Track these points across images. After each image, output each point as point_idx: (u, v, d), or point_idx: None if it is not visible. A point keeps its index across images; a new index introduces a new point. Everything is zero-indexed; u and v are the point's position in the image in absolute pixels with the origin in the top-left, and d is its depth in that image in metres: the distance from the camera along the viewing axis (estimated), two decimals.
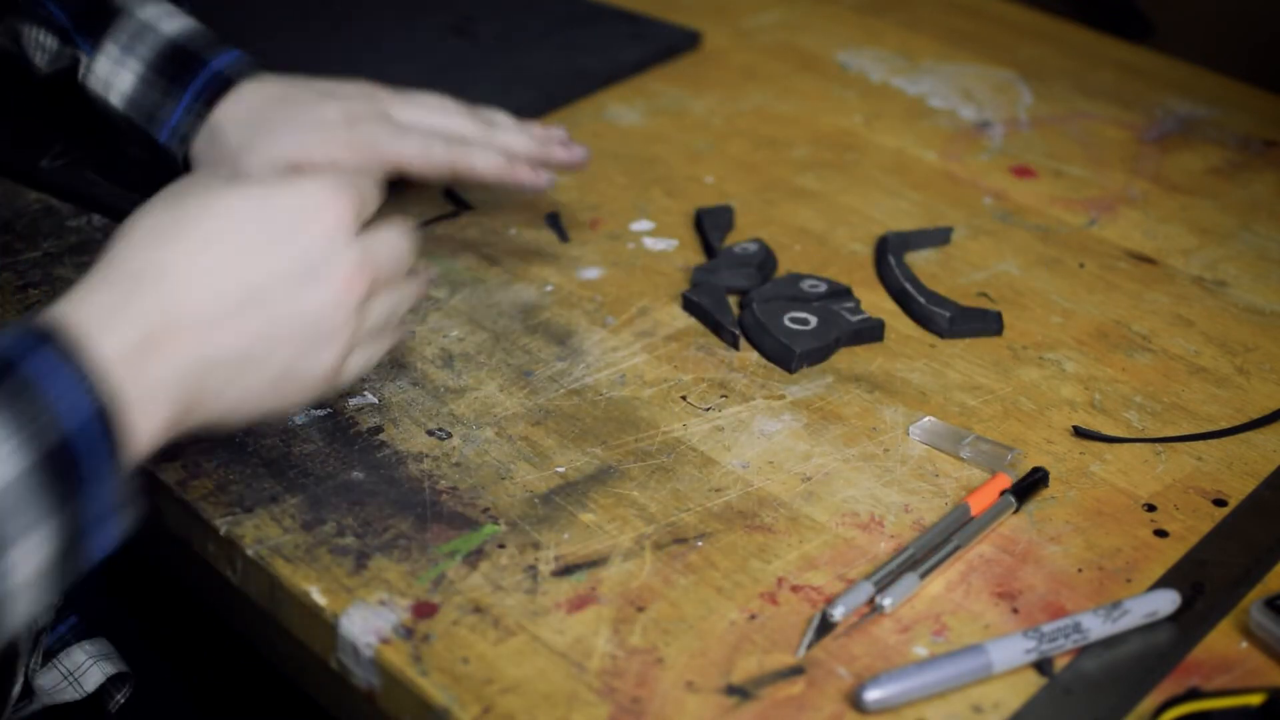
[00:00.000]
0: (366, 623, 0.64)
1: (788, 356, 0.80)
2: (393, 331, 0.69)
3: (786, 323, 0.81)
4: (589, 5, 1.18)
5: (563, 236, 0.90)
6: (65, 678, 0.78)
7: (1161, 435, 0.76)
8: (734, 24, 1.19)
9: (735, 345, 0.82)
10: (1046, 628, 0.63)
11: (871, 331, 0.83)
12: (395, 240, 0.66)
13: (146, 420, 0.57)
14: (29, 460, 0.52)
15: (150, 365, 0.57)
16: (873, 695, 0.60)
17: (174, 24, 0.85)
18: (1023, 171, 1.00)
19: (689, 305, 0.85)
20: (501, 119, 0.86)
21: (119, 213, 0.90)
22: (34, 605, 0.54)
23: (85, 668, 0.78)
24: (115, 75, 0.84)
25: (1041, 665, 0.63)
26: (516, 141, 0.84)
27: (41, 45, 0.85)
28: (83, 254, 0.87)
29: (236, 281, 0.60)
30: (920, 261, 0.90)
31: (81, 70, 0.84)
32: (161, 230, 0.60)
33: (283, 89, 0.83)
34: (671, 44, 1.14)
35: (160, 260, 0.59)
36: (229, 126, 0.82)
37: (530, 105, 1.04)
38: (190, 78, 0.82)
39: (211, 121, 0.82)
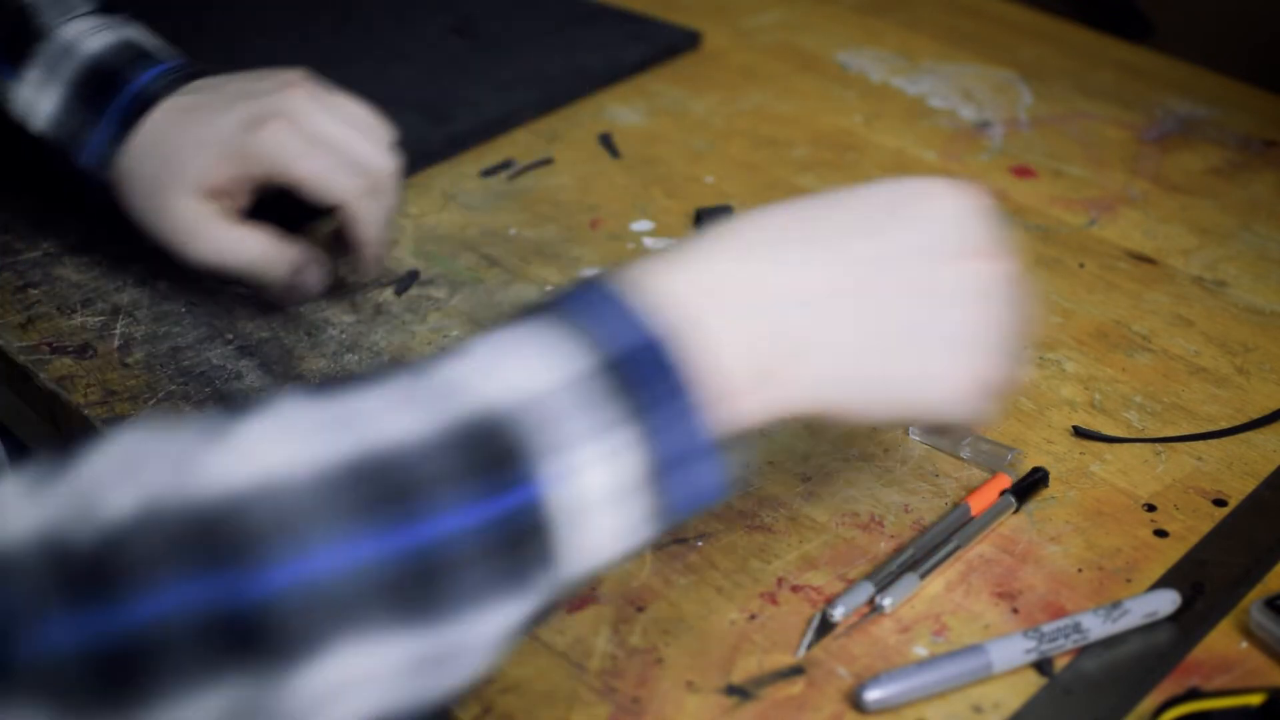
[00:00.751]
0: None
1: None
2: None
3: None
4: (589, 5, 1.18)
5: (614, 153, 0.90)
6: None
7: (1162, 435, 0.76)
8: (734, 24, 1.19)
9: None
10: (1046, 628, 0.63)
11: None
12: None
13: (731, 357, 0.53)
14: (579, 367, 0.50)
15: (725, 303, 0.54)
16: (873, 695, 0.60)
17: (97, 42, 0.81)
18: (1023, 171, 1.00)
19: None
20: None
21: (119, 213, 0.90)
22: (615, 530, 0.51)
23: None
24: (36, 101, 0.81)
25: (1041, 665, 0.63)
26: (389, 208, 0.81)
27: None
28: (83, 254, 0.87)
29: (824, 250, 0.56)
30: None
31: (5, 96, 0.81)
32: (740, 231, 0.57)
33: (193, 99, 0.79)
34: (671, 44, 1.14)
35: (739, 231, 0.56)
36: (140, 154, 0.78)
37: (530, 105, 1.04)
38: (107, 101, 0.79)
39: (129, 147, 0.78)
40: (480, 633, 0.49)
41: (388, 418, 0.49)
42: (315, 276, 0.81)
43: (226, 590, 0.45)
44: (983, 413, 0.59)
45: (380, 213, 0.79)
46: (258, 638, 0.46)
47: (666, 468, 0.51)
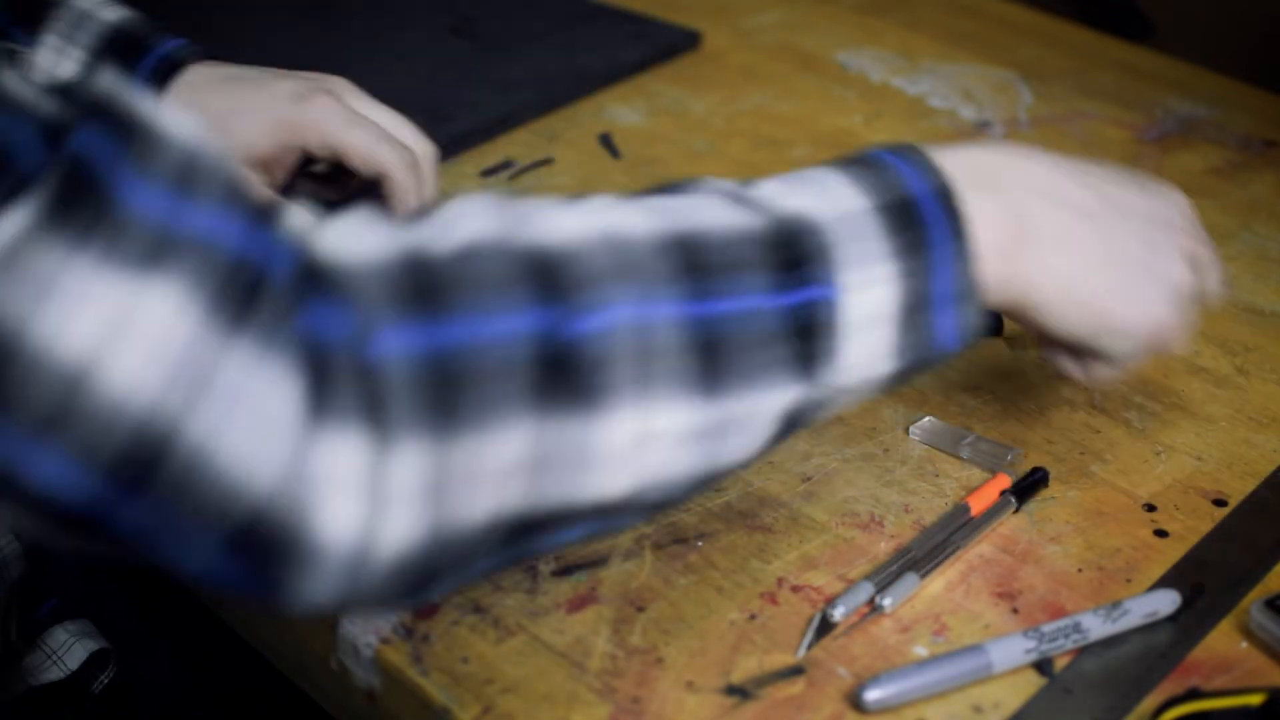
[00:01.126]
0: (367, 622, 0.64)
1: None
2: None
3: None
4: (589, 5, 1.18)
5: (614, 153, 0.91)
6: (49, 656, 0.78)
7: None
8: (734, 24, 1.19)
9: None
10: (1046, 628, 0.63)
11: None
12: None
13: (982, 227, 0.58)
14: (874, 202, 0.56)
15: (985, 188, 0.59)
16: (873, 695, 0.60)
17: (113, 12, 0.83)
18: None
19: None
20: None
21: None
22: (885, 347, 0.57)
23: (68, 645, 0.79)
24: (58, 65, 0.81)
25: (1041, 665, 0.63)
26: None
27: None
28: None
29: (1082, 179, 0.64)
30: None
31: (21, 66, 0.81)
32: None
33: (233, 70, 0.81)
34: (671, 44, 1.14)
35: (1013, 156, 0.63)
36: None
37: (530, 105, 1.04)
38: (137, 61, 0.81)
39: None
40: (759, 410, 0.54)
41: (706, 211, 0.55)
42: None
43: (550, 325, 0.50)
44: (1152, 354, 0.66)
45: (419, 189, 0.82)
46: (567, 376, 0.50)
47: (939, 302, 0.57)
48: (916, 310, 0.57)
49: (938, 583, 0.67)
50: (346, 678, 0.65)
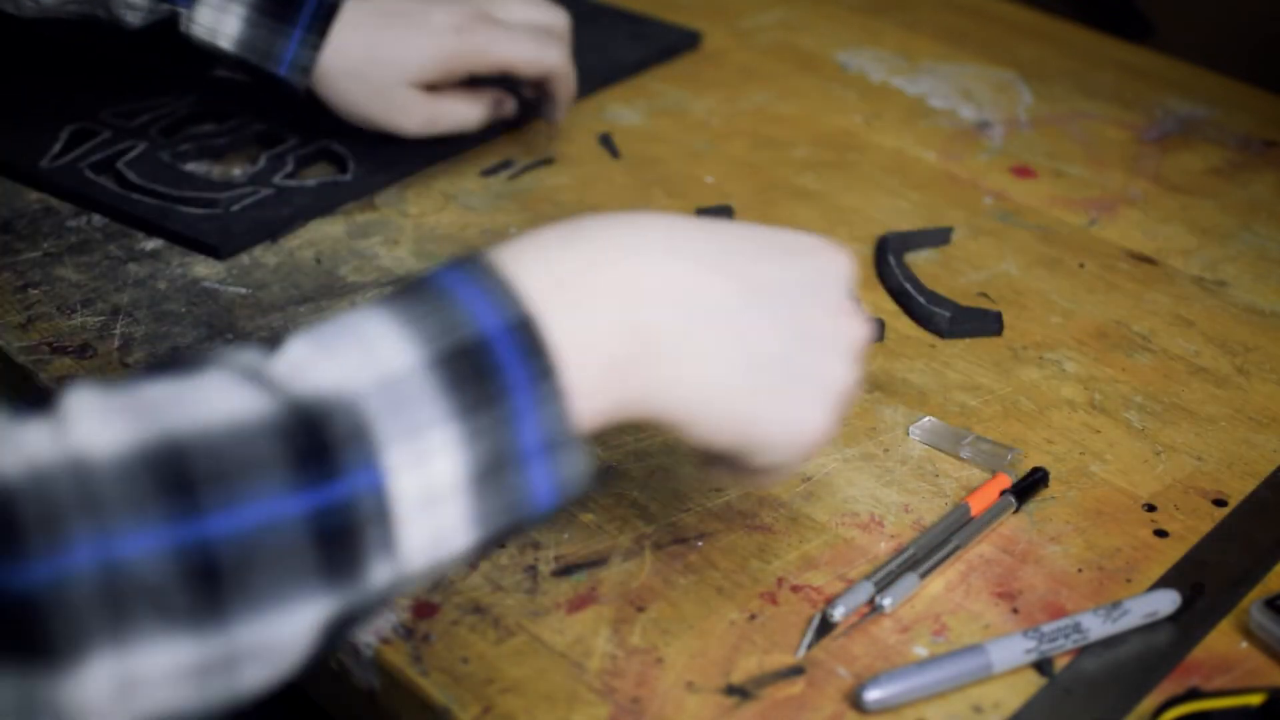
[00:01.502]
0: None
1: None
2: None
3: None
4: (589, 5, 1.18)
5: (614, 152, 0.97)
6: None
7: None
8: (734, 24, 1.19)
9: None
10: (1046, 628, 0.63)
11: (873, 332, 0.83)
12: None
13: (578, 359, 0.51)
14: (428, 353, 0.48)
15: (580, 304, 0.52)
16: (873, 695, 0.60)
17: None
18: (1023, 171, 1.00)
19: None
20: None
21: (119, 213, 0.90)
22: (441, 536, 0.49)
23: None
24: (220, 21, 0.88)
25: (1041, 665, 0.63)
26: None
27: (130, 4, 0.87)
28: (82, 254, 0.87)
29: (714, 261, 0.55)
30: (920, 262, 0.90)
31: (183, 23, 0.88)
32: (617, 222, 0.56)
33: (388, 4, 0.90)
34: (671, 44, 1.14)
35: (618, 236, 0.55)
36: (345, 53, 0.89)
37: (530, 105, 1.04)
38: (295, 11, 0.88)
39: (329, 47, 0.88)
40: (281, 635, 0.47)
41: (207, 403, 0.46)
42: (512, 107, 0.98)
43: None
44: (797, 467, 0.59)
45: (572, 69, 0.96)
46: (26, 632, 0.43)
47: (526, 456, 0.50)
48: (497, 471, 0.49)
49: (938, 583, 0.67)
50: (346, 678, 0.65)
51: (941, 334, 0.83)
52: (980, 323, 0.83)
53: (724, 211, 0.93)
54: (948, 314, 0.83)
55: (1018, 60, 1.14)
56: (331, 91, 0.91)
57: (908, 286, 0.86)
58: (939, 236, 0.92)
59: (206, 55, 0.90)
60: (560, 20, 0.95)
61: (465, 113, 0.94)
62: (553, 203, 0.95)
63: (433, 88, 0.93)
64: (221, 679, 0.47)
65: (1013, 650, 0.62)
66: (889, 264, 0.88)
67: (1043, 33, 1.19)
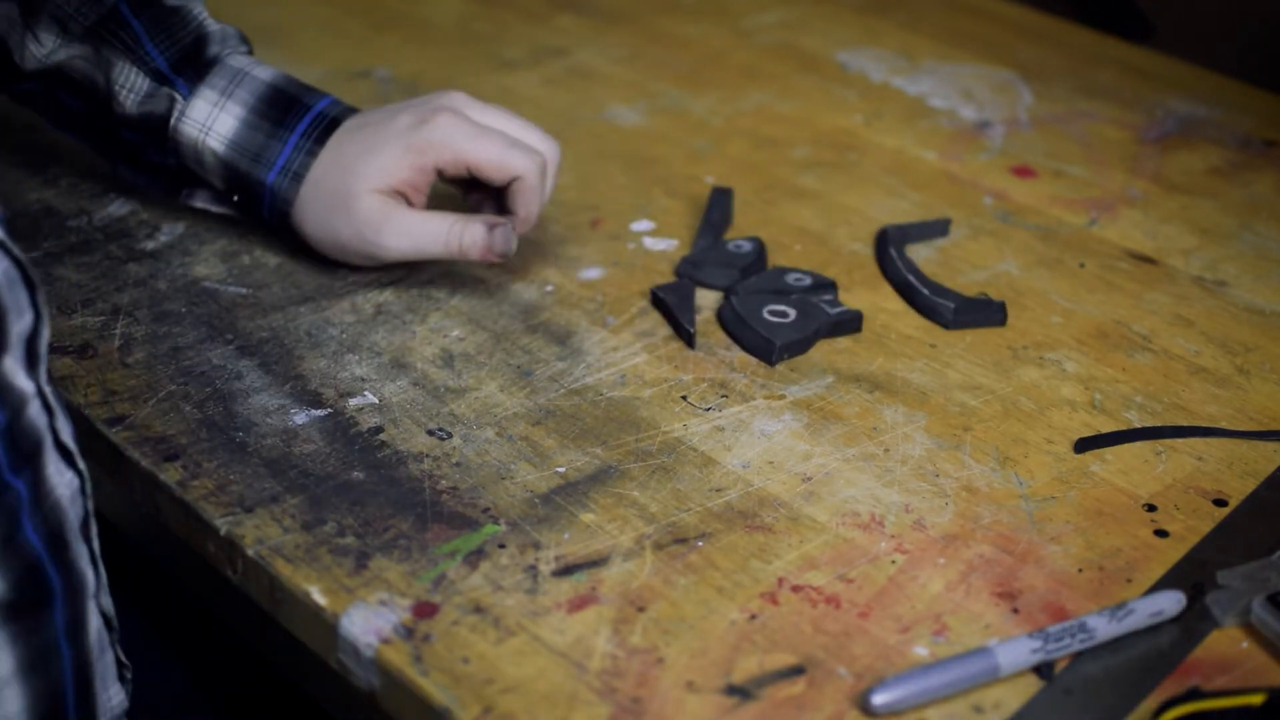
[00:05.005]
0: (367, 623, 0.64)
1: (768, 349, 0.80)
2: None
3: (765, 316, 0.82)
4: None
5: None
6: None
7: (1161, 433, 0.76)
8: (734, 24, 1.19)
9: (691, 345, 0.81)
10: (1052, 629, 0.63)
11: (850, 323, 0.83)
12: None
13: None
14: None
15: None
16: (880, 699, 0.60)
17: (267, 71, 0.86)
18: (1023, 171, 1.00)
19: (656, 301, 0.85)
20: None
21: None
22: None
23: None
24: (214, 118, 0.85)
25: (1041, 669, 0.63)
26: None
27: (133, 87, 0.85)
28: (82, 254, 0.87)
29: None
30: (921, 261, 0.90)
31: (175, 114, 0.85)
32: None
33: (365, 115, 0.86)
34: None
35: None
36: (321, 172, 0.84)
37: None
38: (295, 119, 0.85)
39: (321, 160, 0.84)
40: None
41: None
42: (505, 237, 0.84)
43: None
44: None
45: (546, 188, 0.85)
46: None
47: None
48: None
49: (938, 582, 0.67)
50: (347, 678, 0.65)
51: (946, 325, 0.83)
52: (984, 313, 0.84)
53: (725, 194, 0.92)
54: (952, 304, 0.83)
55: (1018, 60, 1.14)
56: (306, 211, 0.85)
57: (911, 278, 0.86)
58: (938, 228, 0.92)
59: (182, 176, 0.88)
60: (546, 145, 0.85)
61: (450, 227, 0.83)
62: (553, 203, 0.94)
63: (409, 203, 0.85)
64: None
65: (1019, 652, 0.62)
66: (891, 256, 0.88)
67: (1043, 33, 1.19)
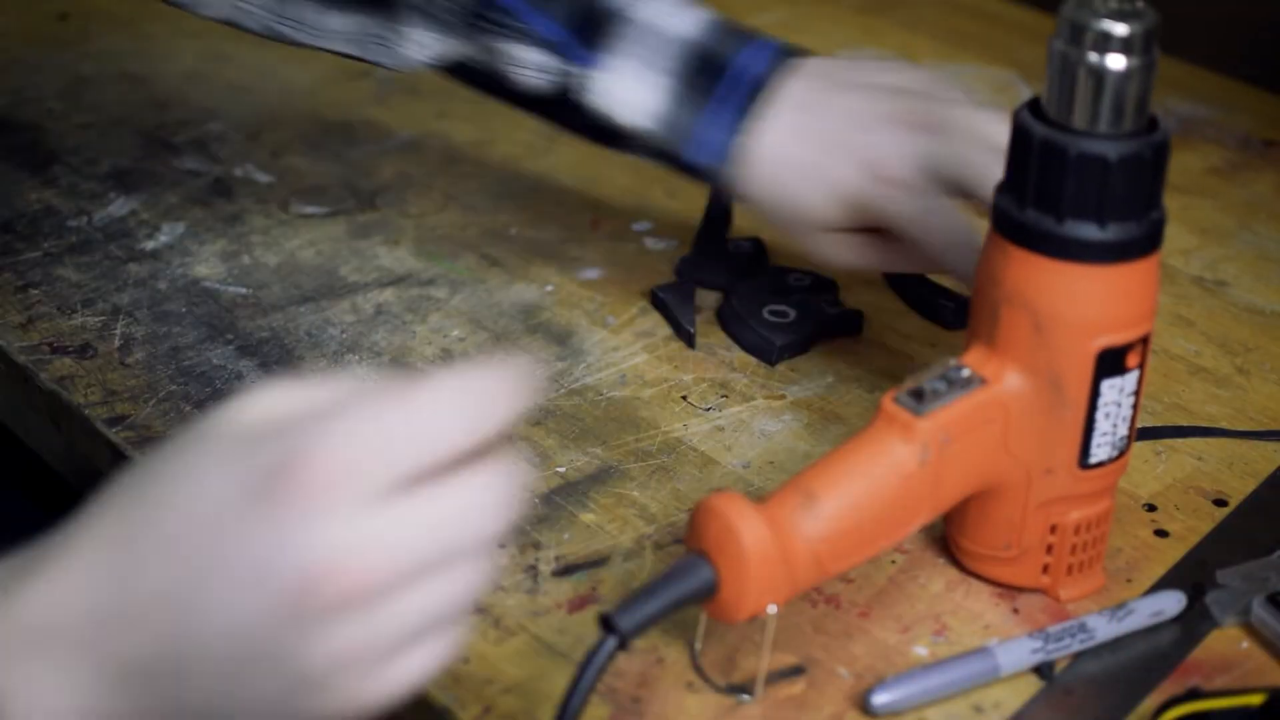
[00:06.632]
0: None
1: (768, 349, 0.80)
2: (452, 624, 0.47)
3: (765, 316, 0.82)
4: None
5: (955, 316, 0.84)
6: None
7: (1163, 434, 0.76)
8: None
9: (691, 345, 0.81)
10: (1052, 629, 0.63)
11: (850, 323, 0.83)
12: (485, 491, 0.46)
13: None
14: None
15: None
16: (880, 699, 0.60)
17: (682, 21, 0.75)
18: None
19: (656, 301, 0.85)
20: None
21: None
22: None
23: None
24: (622, 89, 0.74)
25: (1041, 669, 0.63)
26: None
27: (523, 62, 0.76)
28: (83, 254, 0.87)
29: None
30: None
31: (577, 86, 0.76)
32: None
33: (809, 92, 0.73)
34: None
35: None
36: (760, 171, 0.74)
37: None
38: (714, 85, 0.73)
39: (748, 155, 0.74)
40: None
41: None
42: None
43: None
44: None
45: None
46: None
47: None
48: None
49: (938, 582, 0.67)
50: None
51: (947, 324, 0.83)
52: None
53: (725, 194, 0.92)
54: (952, 305, 0.83)
55: (1018, 60, 1.14)
56: (747, 197, 0.76)
57: (911, 279, 0.86)
58: None
59: (598, 129, 0.78)
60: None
61: (881, 254, 0.75)
62: (553, 202, 0.95)
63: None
64: None
65: (1019, 653, 0.62)
66: None
67: (1043, 33, 1.19)
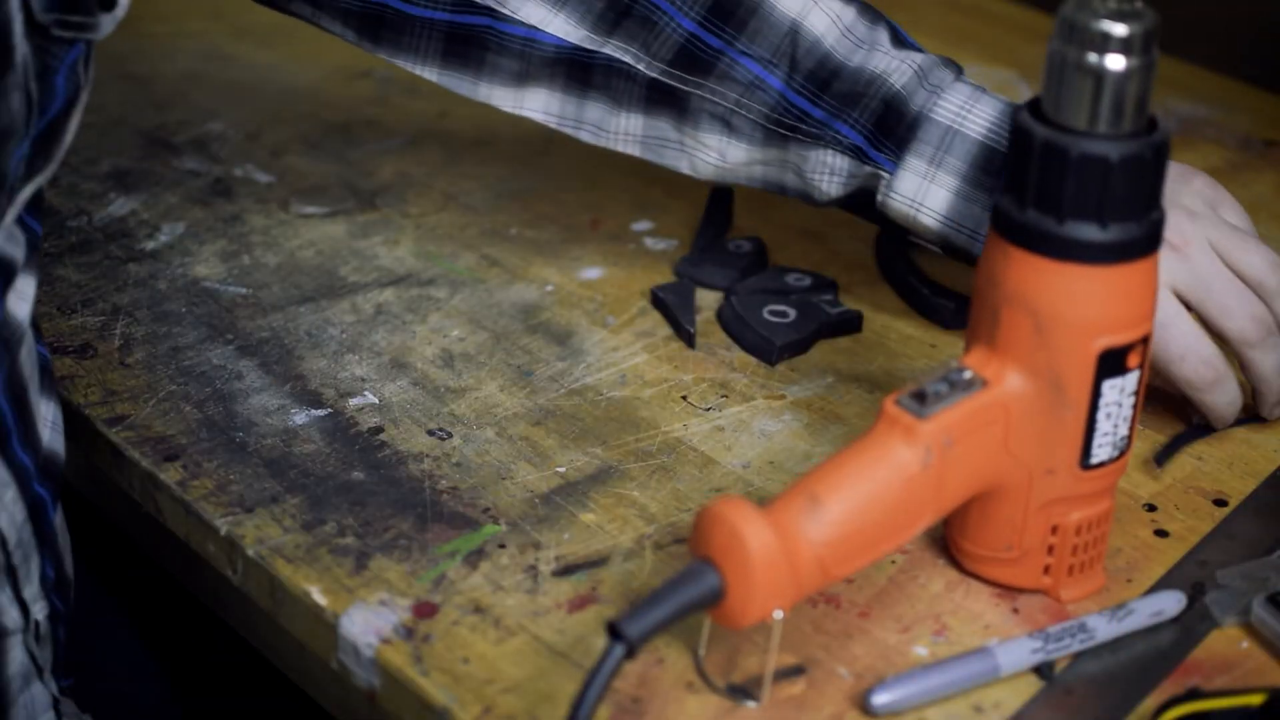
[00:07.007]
0: (367, 623, 0.64)
1: (768, 349, 0.80)
2: None
3: (765, 316, 0.82)
4: None
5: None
6: None
7: (1164, 434, 0.76)
8: None
9: (691, 345, 0.82)
10: (1052, 629, 0.63)
11: (850, 323, 0.83)
12: None
13: None
14: None
15: None
16: (881, 699, 0.60)
17: (981, 121, 0.75)
18: None
19: (656, 301, 0.85)
20: None
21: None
22: None
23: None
24: (923, 192, 0.75)
25: (1041, 669, 0.63)
26: None
27: (829, 168, 0.77)
28: (82, 254, 0.87)
29: None
30: (921, 261, 0.90)
31: (881, 190, 0.76)
32: None
33: None
34: None
35: None
36: None
37: None
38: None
39: None
40: None
41: None
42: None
43: None
44: None
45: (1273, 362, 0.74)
46: None
47: None
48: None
49: (938, 582, 0.67)
50: (347, 678, 0.65)
51: (946, 325, 0.83)
52: None
53: (725, 194, 0.93)
54: (951, 305, 0.83)
55: (1018, 60, 1.14)
56: None
57: (911, 278, 0.86)
58: None
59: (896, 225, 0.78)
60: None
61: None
62: (553, 203, 0.95)
63: None
64: None
65: (1019, 653, 0.62)
66: (891, 257, 0.88)
67: (1043, 33, 1.19)
